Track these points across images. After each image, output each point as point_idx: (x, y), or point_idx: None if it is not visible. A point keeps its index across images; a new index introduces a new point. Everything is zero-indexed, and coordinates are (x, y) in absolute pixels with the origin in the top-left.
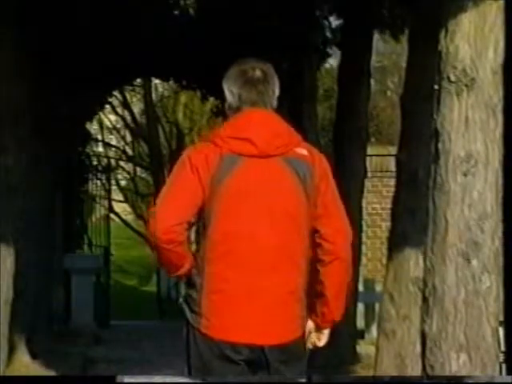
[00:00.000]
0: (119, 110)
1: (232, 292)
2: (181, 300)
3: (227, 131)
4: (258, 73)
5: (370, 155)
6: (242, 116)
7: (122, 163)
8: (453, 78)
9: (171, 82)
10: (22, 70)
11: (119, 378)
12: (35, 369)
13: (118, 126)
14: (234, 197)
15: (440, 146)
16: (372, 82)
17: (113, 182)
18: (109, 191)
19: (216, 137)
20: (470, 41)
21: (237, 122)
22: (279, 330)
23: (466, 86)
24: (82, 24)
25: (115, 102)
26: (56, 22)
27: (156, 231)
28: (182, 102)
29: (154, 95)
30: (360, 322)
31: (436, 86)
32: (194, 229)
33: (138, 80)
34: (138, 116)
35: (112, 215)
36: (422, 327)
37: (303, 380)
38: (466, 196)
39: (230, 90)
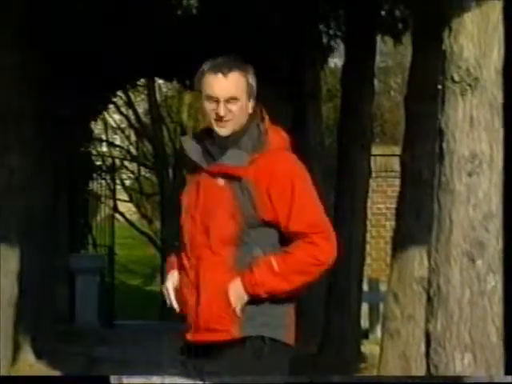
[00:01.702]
0: (123, 109)
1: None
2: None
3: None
4: None
5: (375, 155)
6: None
7: (126, 163)
8: (457, 78)
9: (174, 82)
10: (27, 70)
11: (115, 379)
12: (39, 368)
13: (123, 125)
14: None
15: (444, 145)
16: (376, 82)
17: (117, 181)
18: (113, 191)
19: (290, 144)
20: (473, 40)
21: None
22: None
23: (470, 85)
24: (86, 24)
25: (119, 102)
26: (60, 22)
27: (334, 253)
28: (186, 102)
29: (158, 95)
30: (364, 322)
31: (440, 86)
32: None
33: (142, 80)
34: (142, 116)
35: (116, 215)
36: (426, 327)
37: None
38: (471, 196)
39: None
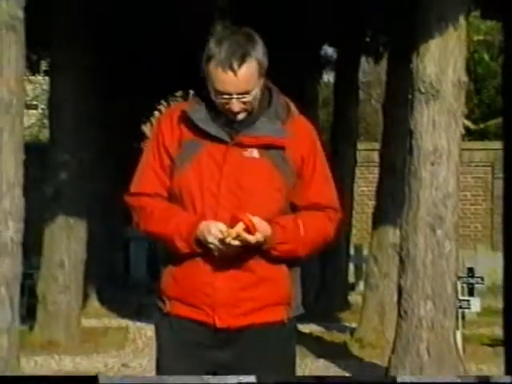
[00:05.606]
0: None
1: None
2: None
3: None
4: None
5: (360, 150)
6: None
7: None
8: (422, 90)
9: None
10: (95, 83)
11: (103, 379)
12: (103, 312)
13: None
14: None
15: (413, 142)
16: (360, 93)
17: None
18: None
19: None
20: (435, 61)
21: None
22: None
23: (433, 96)
24: (139, 46)
25: (163, 109)
26: (122, 44)
27: None
28: None
29: None
30: (351, 278)
31: (409, 96)
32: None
33: (180, 92)
34: None
35: None
36: (398, 282)
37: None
38: (434, 180)
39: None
